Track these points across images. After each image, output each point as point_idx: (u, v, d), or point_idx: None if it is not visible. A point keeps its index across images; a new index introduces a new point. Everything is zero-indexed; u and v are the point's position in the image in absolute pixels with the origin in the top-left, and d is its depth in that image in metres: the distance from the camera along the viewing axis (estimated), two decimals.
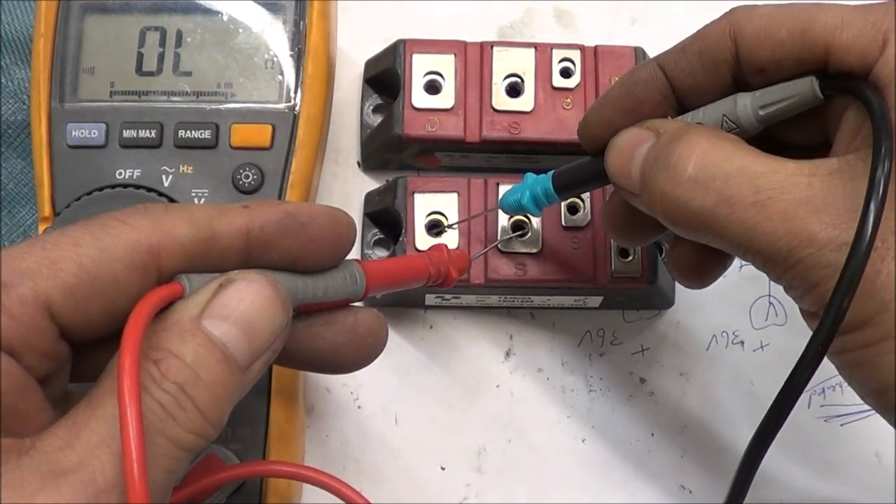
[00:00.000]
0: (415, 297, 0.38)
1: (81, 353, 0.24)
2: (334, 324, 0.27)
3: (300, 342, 0.27)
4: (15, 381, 0.22)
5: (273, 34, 0.37)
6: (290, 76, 0.36)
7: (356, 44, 0.42)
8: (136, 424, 0.20)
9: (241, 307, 0.23)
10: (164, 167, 0.35)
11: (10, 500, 0.20)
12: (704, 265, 0.32)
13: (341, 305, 0.27)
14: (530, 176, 0.34)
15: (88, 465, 0.21)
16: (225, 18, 0.37)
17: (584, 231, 0.37)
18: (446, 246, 0.34)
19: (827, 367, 0.39)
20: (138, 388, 0.21)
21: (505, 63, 0.39)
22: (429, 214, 0.37)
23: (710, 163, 0.26)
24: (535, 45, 0.39)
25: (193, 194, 0.35)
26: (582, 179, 0.32)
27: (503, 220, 0.37)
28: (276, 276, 0.24)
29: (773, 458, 0.39)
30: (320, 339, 0.27)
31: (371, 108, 0.41)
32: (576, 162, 0.32)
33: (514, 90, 0.39)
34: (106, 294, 0.23)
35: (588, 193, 0.38)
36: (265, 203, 0.25)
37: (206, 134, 0.35)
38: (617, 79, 0.39)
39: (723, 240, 0.26)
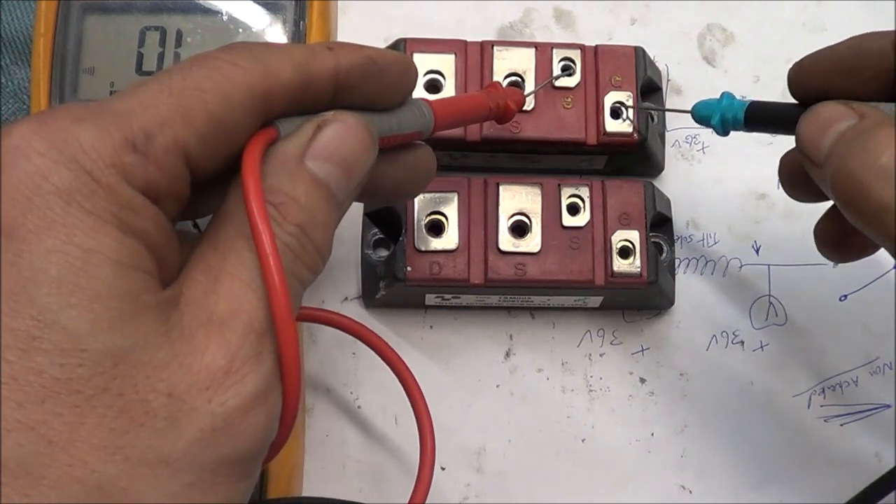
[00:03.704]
0: (415, 297, 0.38)
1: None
2: (397, 161, 0.29)
3: (368, 181, 0.27)
4: (164, 231, 0.23)
5: (273, 34, 0.37)
6: None
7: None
8: (279, 269, 0.22)
9: (341, 148, 0.25)
10: None
11: (183, 352, 0.21)
12: (847, 244, 0.33)
13: (413, 139, 0.29)
14: (728, 96, 0.33)
15: (243, 312, 0.22)
16: (225, 18, 0.37)
17: (584, 231, 0.37)
18: (499, 82, 0.37)
19: (827, 368, 0.40)
20: (273, 234, 0.22)
21: (505, 62, 0.39)
22: (429, 214, 0.37)
23: None
24: (536, 45, 0.39)
25: None
26: (773, 120, 0.32)
27: (503, 221, 0.37)
28: (361, 115, 0.26)
29: (772, 458, 0.39)
30: (385, 176, 0.29)
31: None
32: (775, 102, 0.32)
33: None
34: (228, 138, 0.23)
35: (588, 194, 0.38)
36: (347, 46, 0.26)
37: None
38: (618, 78, 0.40)
39: (887, 237, 0.26)
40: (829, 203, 0.33)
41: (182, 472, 0.21)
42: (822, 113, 0.29)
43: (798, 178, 0.33)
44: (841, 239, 0.33)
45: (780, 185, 0.34)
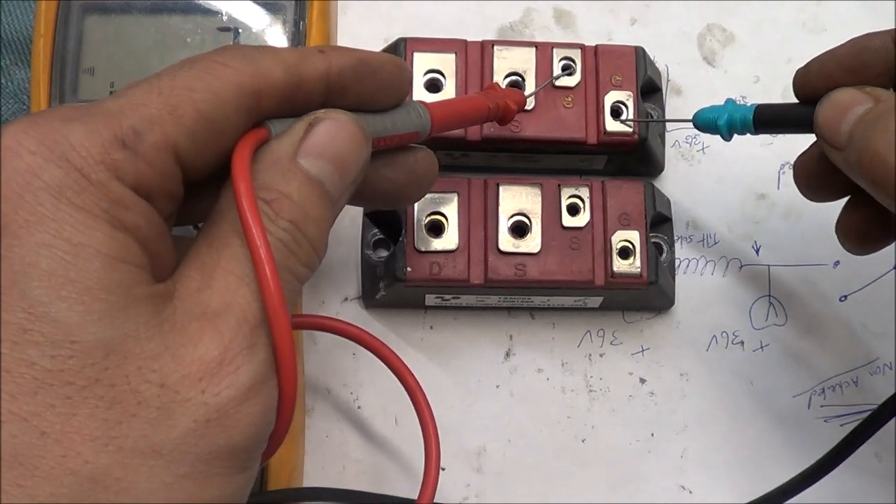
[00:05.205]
0: (415, 297, 0.38)
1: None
2: (395, 164, 0.30)
3: (366, 183, 0.28)
4: (156, 227, 0.23)
5: (273, 34, 0.37)
6: None
7: (356, 44, 0.41)
8: (270, 263, 0.22)
9: (334, 145, 0.25)
10: None
11: (175, 343, 0.21)
12: (871, 234, 0.33)
13: (411, 140, 0.29)
14: (732, 102, 0.34)
15: (236, 306, 0.22)
16: (225, 18, 0.37)
17: (584, 231, 0.37)
18: (498, 83, 0.37)
19: (827, 368, 0.40)
20: (263, 228, 0.22)
21: (506, 62, 0.39)
22: (429, 214, 0.37)
23: None
24: (536, 45, 0.39)
25: None
26: (784, 120, 0.33)
27: (503, 222, 0.37)
28: (353, 113, 0.26)
29: (773, 458, 0.39)
30: (384, 179, 0.29)
31: None
32: (782, 102, 0.33)
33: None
34: (219, 137, 0.24)
35: (588, 194, 0.38)
36: (339, 48, 0.27)
37: None
38: (618, 78, 0.40)
39: None
40: (844, 200, 0.34)
41: (176, 463, 0.21)
42: (839, 98, 0.30)
43: (815, 177, 0.33)
44: (865, 229, 0.33)
45: (798, 188, 0.35)
